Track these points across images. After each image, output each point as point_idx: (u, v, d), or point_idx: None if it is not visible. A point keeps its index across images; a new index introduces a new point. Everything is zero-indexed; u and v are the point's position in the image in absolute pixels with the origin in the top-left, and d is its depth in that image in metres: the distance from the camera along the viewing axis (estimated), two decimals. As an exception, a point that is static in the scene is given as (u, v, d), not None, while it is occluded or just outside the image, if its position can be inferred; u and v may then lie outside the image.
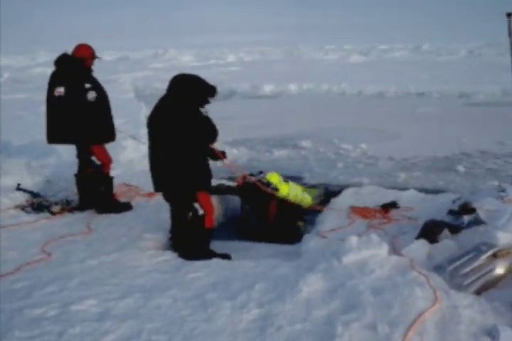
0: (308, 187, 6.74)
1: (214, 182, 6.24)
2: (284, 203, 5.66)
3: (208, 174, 4.58)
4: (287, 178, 5.86)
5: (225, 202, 6.18)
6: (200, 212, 4.57)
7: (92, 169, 5.57)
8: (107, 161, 5.64)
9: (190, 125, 4.38)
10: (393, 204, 5.44)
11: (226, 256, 4.67)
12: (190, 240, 4.67)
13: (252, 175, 5.80)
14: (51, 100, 5.39)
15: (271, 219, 5.69)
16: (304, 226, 5.77)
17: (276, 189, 5.55)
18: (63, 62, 5.41)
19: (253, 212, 5.81)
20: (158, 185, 4.59)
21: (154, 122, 4.47)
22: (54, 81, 5.40)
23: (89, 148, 5.51)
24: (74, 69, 5.35)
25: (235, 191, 6.03)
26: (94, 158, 5.54)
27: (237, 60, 45.31)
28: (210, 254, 4.60)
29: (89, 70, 5.48)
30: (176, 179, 4.45)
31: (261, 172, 5.84)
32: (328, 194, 6.49)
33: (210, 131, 4.59)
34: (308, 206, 5.86)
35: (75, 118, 5.28)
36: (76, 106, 5.26)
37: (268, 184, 5.55)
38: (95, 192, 5.67)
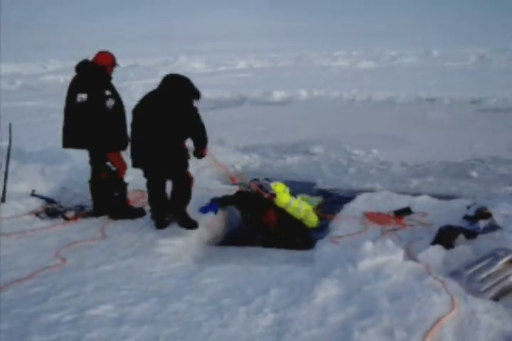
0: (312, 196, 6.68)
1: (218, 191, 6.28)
2: (284, 214, 5.61)
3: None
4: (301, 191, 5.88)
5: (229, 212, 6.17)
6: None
7: (108, 174, 5.59)
8: (122, 167, 5.66)
9: (183, 116, 5.07)
10: (407, 211, 5.41)
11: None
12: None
13: (256, 179, 5.83)
14: (72, 106, 5.41)
15: (273, 228, 5.63)
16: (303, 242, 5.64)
17: (274, 195, 5.55)
18: (84, 69, 5.43)
19: (252, 220, 5.77)
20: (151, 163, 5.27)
21: (144, 111, 5.16)
22: (75, 87, 5.43)
23: (104, 154, 5.53)
24: (95, 76, 5.37)
25: (230, 202, 5.94)
26: (109, 164, 5.56)
27: (247, 67, 45.40)
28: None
29: (109, 78, 5.52)
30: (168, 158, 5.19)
31: (267, 179, 5.84)
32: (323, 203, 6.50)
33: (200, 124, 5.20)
34: (313, 227, 5.74)
35: (95, 125, 5.31)
36: (97, 112, 5.29)
37: (266, 189, 5.57)
38: (109, 197, 5.69)
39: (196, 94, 5.21)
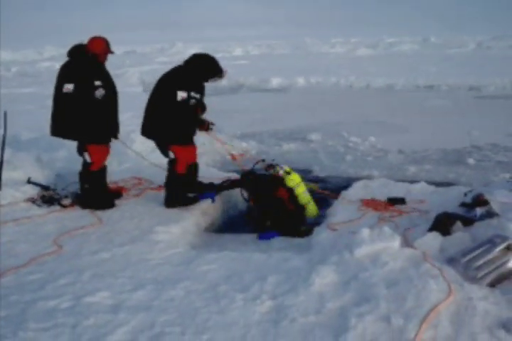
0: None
1: (220, 177, 6.24)
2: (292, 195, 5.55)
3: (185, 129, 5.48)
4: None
5: (226, 198, 6.14)
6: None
7: (82, 166, 5.58)
8: (97, 161, 5.57)
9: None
10: (401, 200, 5.37)
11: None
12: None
13: (263, 160, 5.85)
14: (59, 95, 5.37)
15: (287, 203, 5.53)
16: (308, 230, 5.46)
17: (289, 173, 5.56)
18: (76, 56, 5.36)
19: (259, 201, 5.65)
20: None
21: (159, 82, 5.43)
22: (63, 75, 5.36)
23: (84, 145, 5.51)
24: (86, 66, 5.30)
25: (239, 183, 5.91)
26: (86, 155, 5.53)
27: (244, 54, 45.23)
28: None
29: (101, 66, 5.44)
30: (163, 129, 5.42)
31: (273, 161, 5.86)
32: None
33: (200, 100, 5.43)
34: (312, 216, 5.67)
35: (78, 116, 5.28)
36: (82, 103, 5.25)
37: (276, 168, 5.57)
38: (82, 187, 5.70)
39: (219, 72, 5.51)
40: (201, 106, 5.62)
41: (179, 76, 5.40)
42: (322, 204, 6.00)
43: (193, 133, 5.59)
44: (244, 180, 5.82)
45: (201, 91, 5.49)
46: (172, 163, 5.56)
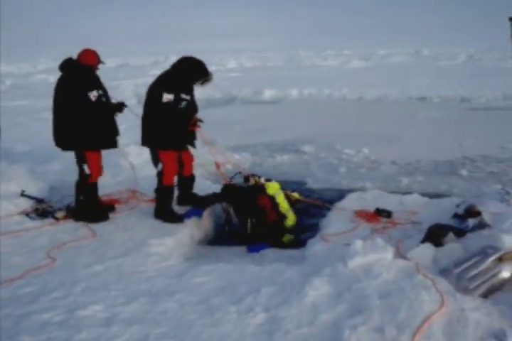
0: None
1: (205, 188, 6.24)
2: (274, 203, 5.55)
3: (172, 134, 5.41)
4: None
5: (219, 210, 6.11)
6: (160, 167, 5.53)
7: (80, 177, 5.58)
8: (96, 172, 5.60)
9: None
10: (388, 213, 5.38)
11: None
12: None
13: (239, 173, 5.97)
14: (57, 107, 5.41)
15: (268, 212, 5.49)
16: (291, 240, 5.55)
17: (269, 180, 5.63)
18: (69, 69, 5.40)
19: (241, 212, 5.62)
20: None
21: (148, 88, 5.46)
22: (57, 87, 5.41)
23: (83, 155, 5.52)
24: (78, 77, 5.34)
25: (221, 197, 5.84)
26: (85, 167, 5.53)
27: (238, 66, 45.40)
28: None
29: (93, 76, 5.49)
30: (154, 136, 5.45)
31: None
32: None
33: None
34: (291, 225, 5.64)
35: (71, 125, 5.33)
36: (78, 113, 5.29)
37: (255, 178, 5.63)
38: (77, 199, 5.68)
39: (205, 75, 5.51)
40: (192, 108, 5.61)
41: (166, 79, 5.43)
42: (315, 214, 6.02)
43: (184, 136, 5.54)
44: (225, 193, 5.79)
45: (191, 92, 5.50)
46: (159, 174, 5.55)
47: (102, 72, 5.61)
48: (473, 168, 8.31)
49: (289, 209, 5.64)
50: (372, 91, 19.23)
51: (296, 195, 6.03)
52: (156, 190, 5.65)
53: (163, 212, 5.61)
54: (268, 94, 20.68)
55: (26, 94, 23.35)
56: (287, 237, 5.52)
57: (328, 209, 5.90)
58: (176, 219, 5.56)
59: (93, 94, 5.30)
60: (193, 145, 5.79)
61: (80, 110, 5.29)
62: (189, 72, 5.44)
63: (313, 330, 3.21)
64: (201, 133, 5.78)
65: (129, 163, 6.66)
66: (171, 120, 5.33)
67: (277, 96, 20.45)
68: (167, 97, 5.24)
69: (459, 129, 11.77)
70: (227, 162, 7.35)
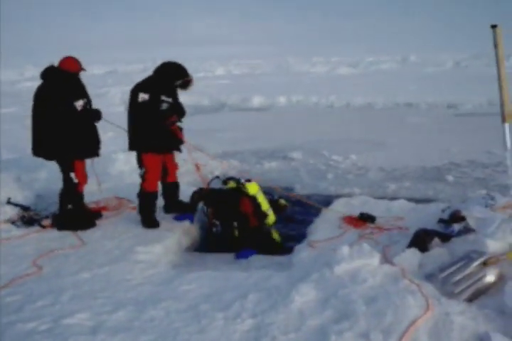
0: None
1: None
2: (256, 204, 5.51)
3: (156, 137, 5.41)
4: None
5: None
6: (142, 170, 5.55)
7: (68, 186, 5.56)
8: (82, 181, 5.61)
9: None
10: (371, 218, 5.40)
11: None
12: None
13: (217, 177, 5.90)
14: (37, 116, 5.39)
15: (251, 218, 5.44)
16: (280, 237, 5.66)
17: (249, 180, 5.61)
18: (50, 76, 5.39)
19: (224, 216, 5.57)
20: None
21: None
22: (39, 95, 5.39)
23: (71, 164, 5.50)
24: (61, 84, 5.33)
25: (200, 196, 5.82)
26: (73, 175, 5.52)
27: (226, 73, 45.39)
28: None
29: (78, 83, 5.49)
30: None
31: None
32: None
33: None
34: (271, 223, 5.67)
35: (58, 134, 5.31)
36: (63, 122, 5.28)
37: (235, 179, 5.61)
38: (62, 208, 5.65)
39: (185, 75, 5.51)
40: (179, 111, 5.62)
41: (144, 81, 5.53)
42: (302, 221, 6.04)
43: (163, 138, 5.49)
44: (194, 199, 5.81)
45: (173, 95, 5.54)
46: (141, 179, 5.57)
47: (90, 79, 5.61)
48: (459, 174, 8.37)
49: (268, 207, 5.65)
50: (359, 98, 19.33)
51: (283, 201, 6.04)
52: (138, 195, 5.68)
53: (144, 219, 5.62)
54: (256, 101, 20.72)
55: (13, 101, 23.21)
56: (275, 233, 5.58)
57: (315, 214, 5.92)
58: (153, 224, 5.58)
59: (79, 104, 5.30)
60: (179, 150, 5.79)
61: (66, 119, 5.28)
62: (167, 73, 5.49)
63: (300, 336, 3.22)
64: (179, 132, 5.59)
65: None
66: (148, 120, 5.35)
67: (265, 103, 20.49)
68: (142, 97, 5.28)
69: (445, 135, 11.87)
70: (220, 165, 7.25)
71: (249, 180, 5.67)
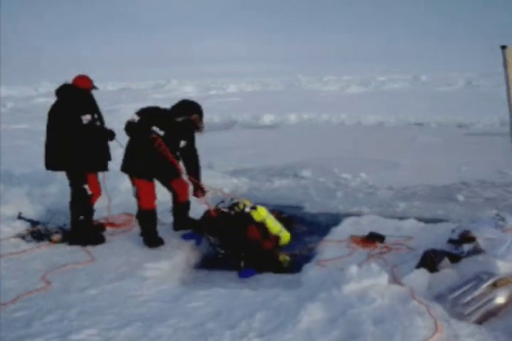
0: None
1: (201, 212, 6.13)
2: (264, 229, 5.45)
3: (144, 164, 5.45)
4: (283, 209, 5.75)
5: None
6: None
7: (81, 198, 5.62)
8: (96, 192, 5.72)
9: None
10: (381, 238, 5.39)
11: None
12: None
13: (222, 201, 5.79)
14: (48, 129, 5.54)
15: (262, 243, 5.41)
16: (287, 261, 5.50)
17: (254, 208, 5.52)
18: (65, 93, 5.57)
19: (231, 246, 5.46)
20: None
21: None
22: (54, 111, 5.55)
23: (84, 176, 5.59)
24: (74, 100, 5.49)
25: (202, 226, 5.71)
26: (86, 187, 5.59)
27: (238, 91, 45.73)
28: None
29: (89, 99, 5.64)
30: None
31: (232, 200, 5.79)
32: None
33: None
34: (286, 243, 5.60)
35: (67, 146, 5.44)
36: (69, 135, 5.41)
37: (239, 206, 5.53)
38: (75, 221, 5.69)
39: (181, 114, 5.47)
40: (171, 145, 5.47)
41: (152, 108, 5.61)
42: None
43: (151, 167, 5.47)
44: (208, 226, 5.61)
45: (171, 130, 5.44)
46: (136, 199, 5.57)
47: (104, 96, 5.71)
48: (469, 193, 8.32)
49: (280, 228, 5.59)
50: (370, 117, 19.37)
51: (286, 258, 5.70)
52: (136, 216, 5.69)
53: (145, 238, 5.58)
54: (267, 118, 20.81)
55: (27, 117, 23.51)
56: (283, 257, 5.49)
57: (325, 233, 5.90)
58: (156, 242, 5.56)
59: (86, 118, 5.42)
60: (176, 176, 5.77)
61: (72, 131, 5.41)
62: (173, 107, 5.56)
63: (307, 356, 3.19)
64: (167, 152, 5.37)
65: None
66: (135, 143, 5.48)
67: (276, 120, 20.58)
68: (133, 118, 5.39)
69: (456, 154, 11.83)
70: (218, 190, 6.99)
71: (254, 208, 5.55)
